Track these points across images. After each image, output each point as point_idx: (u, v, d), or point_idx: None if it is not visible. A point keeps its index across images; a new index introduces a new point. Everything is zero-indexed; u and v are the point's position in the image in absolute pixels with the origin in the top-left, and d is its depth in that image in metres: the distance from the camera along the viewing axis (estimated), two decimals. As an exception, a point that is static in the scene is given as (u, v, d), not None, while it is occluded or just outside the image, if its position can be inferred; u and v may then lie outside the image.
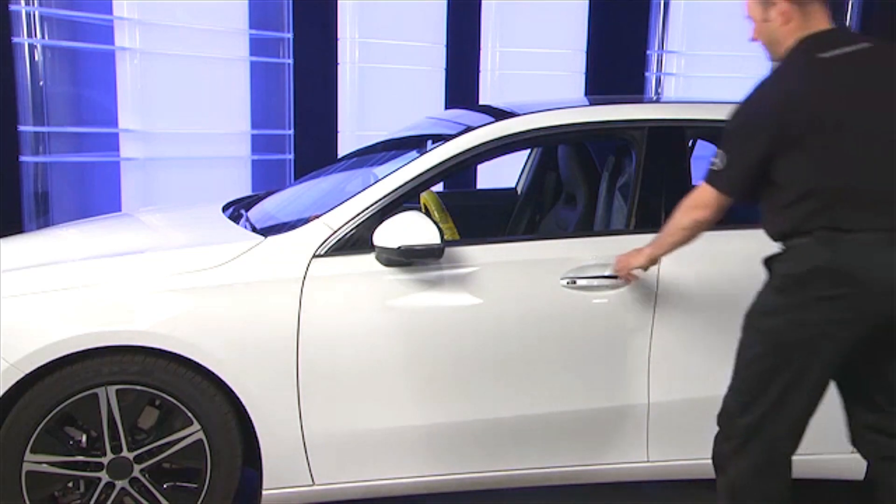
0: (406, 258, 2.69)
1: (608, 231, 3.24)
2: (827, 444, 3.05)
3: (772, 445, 2.46)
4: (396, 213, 2.73)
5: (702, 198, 2.48)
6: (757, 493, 2.49)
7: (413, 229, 2.67)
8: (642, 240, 2.77)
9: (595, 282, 2.86)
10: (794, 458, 3.04)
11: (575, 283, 2.86)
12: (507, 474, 2.94)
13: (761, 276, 2.52)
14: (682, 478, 3.11)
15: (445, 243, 2.72)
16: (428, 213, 3.33)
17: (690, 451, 3.01)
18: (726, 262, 2.96)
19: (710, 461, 3.05)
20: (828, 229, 2.30)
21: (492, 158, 3.04)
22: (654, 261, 2.75)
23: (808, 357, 2.37)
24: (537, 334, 2.87)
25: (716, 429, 3.03)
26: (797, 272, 2.35)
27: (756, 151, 2.35)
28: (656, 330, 2.92)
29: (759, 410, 2.43)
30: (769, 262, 2.49)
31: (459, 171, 2.98)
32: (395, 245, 2.67)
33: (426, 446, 2.85)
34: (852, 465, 3.07)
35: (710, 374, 2.86)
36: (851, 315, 2.32)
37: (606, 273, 2.87)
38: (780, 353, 2.39)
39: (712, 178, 2.45)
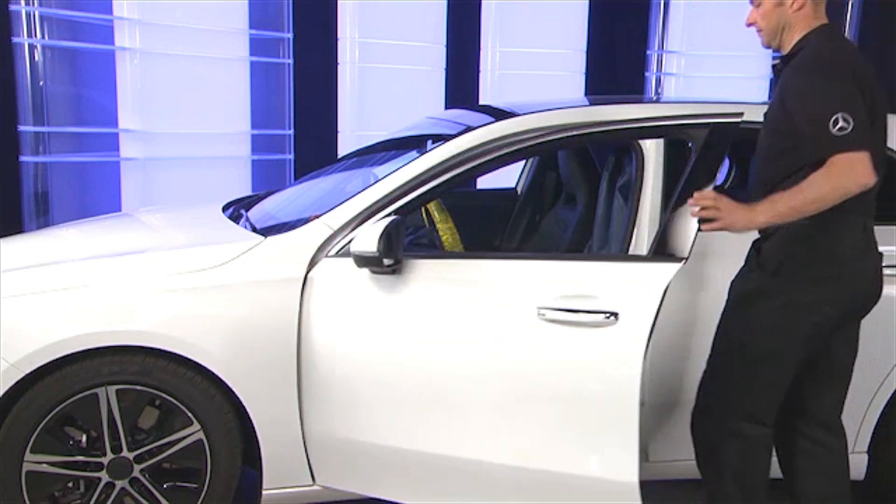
0: (357, 264, 2.63)
1: (603, 255, 2.90)
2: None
3: (761, 424, 2.55)
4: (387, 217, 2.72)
5: (860, 163, 2.25)
6: (753, 472, 2.58)
7: (366, 236, 2.60)
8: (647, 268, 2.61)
9: (574, 317, 2.53)
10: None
11: (548, 314, 2.55)
12: None
13: None
14: (681, 478, 3.11)
15: (383, 254, 2.57)
16: (428, 214, 3.33)
17: (689, 452, 3.01)
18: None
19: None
20: (831, 211, 2.34)
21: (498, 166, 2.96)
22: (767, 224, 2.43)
23: (799, 337, 2.46)
24: (506, 371, 2.61)
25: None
26: (797, 254, 2.42)
27: (864, 107, 2.32)
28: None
29: (752, 393, 2.52)
30: (759, 243, 2.54)
31: (463, 172, 2.85)
32: (350, 250, 2.64)
33: (409, 466, 2.74)
34: (852, 465, 3.07)
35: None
36: (838, 295, 2.43)
37: (590, 307, 2.54)
38: (773, 336, 2.47)
39: (852, 141, 2.25)
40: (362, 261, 2.62)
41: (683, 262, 2.58)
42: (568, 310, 2.54)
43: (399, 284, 2.68)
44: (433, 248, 3.22)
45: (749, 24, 2.69)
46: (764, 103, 2.86)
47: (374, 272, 2.67)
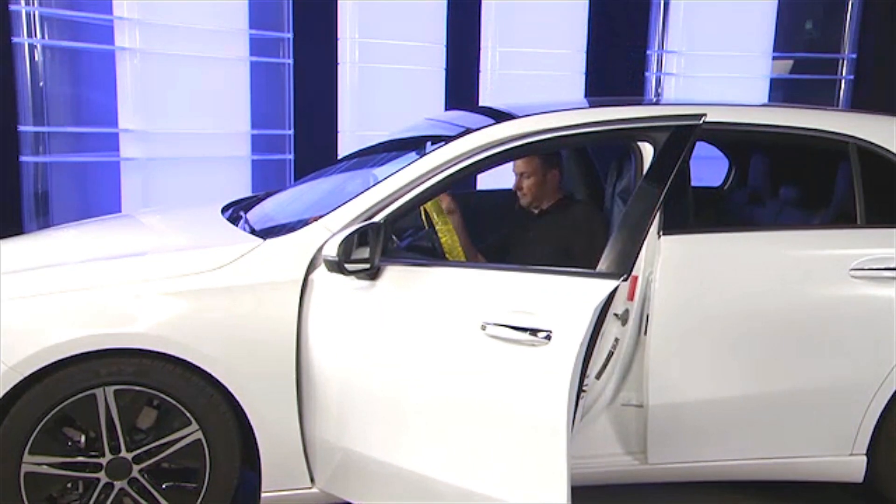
0: (327, 268, 2.63)
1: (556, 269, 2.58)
2: (824, 447, 3.06)
3: None
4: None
5: None
6: None
7: (333, 241, 2.59)
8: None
9: (510, 334, 2.42)
10: (793, 460, 3.08)
11: (486, 329, 2.45)
12: None
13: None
14: (680, 480, 3.11)
15: (343, 259, 2.55)
16: (427, 215, 3.32)
17: (689, 454, 3.02)
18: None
19: (710, 463, 3.07)
20: None
21: (498, 164, 2.95)
22: None
23: None
24: (450, 388, 2.53)
25: (715, 432, 3.04)
26: None
27: None
28: (666, 335, 2.83)
29: None
30: None
31: (467, 174, 2.84)
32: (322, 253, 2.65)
33: (395, 476, 2.69)
34: (850, 467, 3.07)
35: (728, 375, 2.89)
36: None
37: (525, 324, 2.41)
38: None
39: None
40: (329, 265, 2.60)
41: (622, 279, 2.41)
42: (509, 326, 2.42)
43: (374, 291, 2.65)
44: (431, 251, 3.22)
45: (518, 189, 3.51)
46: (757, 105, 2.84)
47: (350, 276, 2.62)
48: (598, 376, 3.04)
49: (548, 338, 2.36)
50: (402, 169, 2.84)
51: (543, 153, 3.40)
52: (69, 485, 2.68)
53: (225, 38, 5.79)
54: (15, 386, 2.52)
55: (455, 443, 2.53)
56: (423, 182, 2.80)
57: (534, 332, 2.38)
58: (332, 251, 2.56)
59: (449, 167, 2.80)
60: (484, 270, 2.65)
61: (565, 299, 2.39)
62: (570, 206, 3.53)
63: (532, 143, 2.80)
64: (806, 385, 2.98)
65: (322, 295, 2.69)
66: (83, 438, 2.68)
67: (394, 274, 2.65)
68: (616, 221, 3.26)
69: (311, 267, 2.71)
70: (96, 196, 5.70)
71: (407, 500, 2.64)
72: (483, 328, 2.45)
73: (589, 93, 6.88)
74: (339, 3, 6.20)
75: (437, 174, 2.80)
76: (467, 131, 2.93)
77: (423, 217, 3.36)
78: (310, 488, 2.80)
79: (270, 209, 3.40)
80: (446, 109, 5.71)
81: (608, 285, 2.36)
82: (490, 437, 2.47)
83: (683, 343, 2.92)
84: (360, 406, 2.67)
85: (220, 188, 5.39)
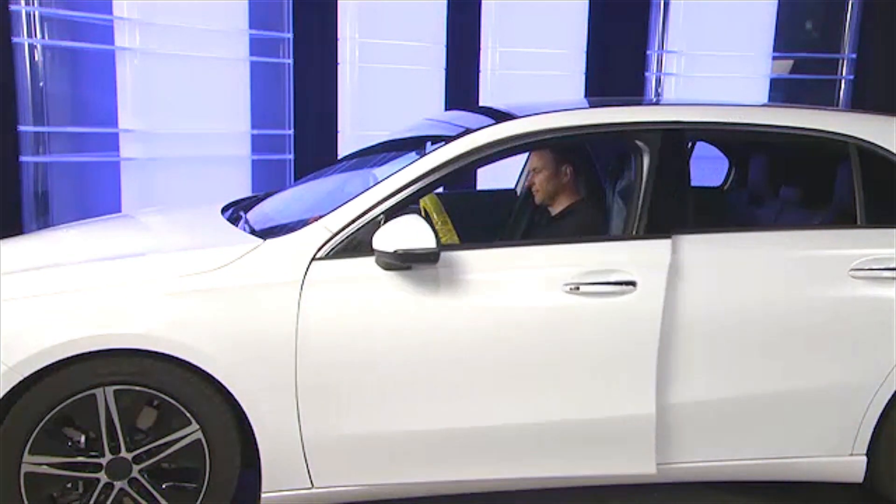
0: (402, 262, 2.68)
1: (614, 236, 3.13)
2: (824, 447, 3.06)
3: None
4: (397, 216, 2.73)
5: None
6: None
7: (410, 233, 2.65)
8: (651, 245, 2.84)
9: (600, 288, 2.82)
10: (793, 460, 3.08)
11: (578, 289, 2.82)
12: (505, 480, 2.93)
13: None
14: (681, 480, 3.11)
15: (442, 247, 2.70)
16: (427, 215, 3.33)
17: (689, 455, 3.02)
18: (747, 269, 2.97)
19: (710, 463, 3.06)
20: None
21: (496, 160, 3.00)
22: None
23: None
24: (538, 341, 2.82)
25: (715, 432, 3.04)
26: None
27: None
28: (667, 339, 2.87)
29: None
30: None
31: (463, 173, 2.93)
32: (391, 249, 2.66)
33: (426, 450, 2.84)
34: (850, 467, 3.07)
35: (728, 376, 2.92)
36: None
37: (613, 279, 2.83)
38: None
39: None
40: (411, 257, 2.66)
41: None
42: (593, 283, 2.82)
43: (417, 279, 2.74)
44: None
45: (531, 186, 3.60)
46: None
47: (395, 269, 2.72)
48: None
49: (633, 285, 2.82)
50: (402, 169, 2.85)
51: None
52: (69, 485, 2.68)
53: (225, 38, 5.80)
54: (15, 386, 2.52)
55: (543, 386, 2.85)
56: (423, 182, 2.81)
57: (618, 284, 2.82)
58: (428, 242, 2.65)
59: (449, 167, 2.81)
60: (545, 246, 2.98)
61: (639, 256, 2.87)
62: (583, 213, 3.48)
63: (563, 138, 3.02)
64: (806, 385, 2.98)
65: (323, 294, 2.70)
66: (83, 438, 2.68)
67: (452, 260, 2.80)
68: (615, 219, 3.27)
69: (311, 266, 2.71)
70: (96, 196, 5.70)
71: (452, 459, 2.86)
72: (567, 289, 2.81)
73: (589, 93, 6.88)
74: (339, 3, 6.21)
75: (437, 174, 2.81)
76: (467, 131, 2.94)
77: (423, 216, 3.37)
78: (310, 488, 2.80)
79: (270, 209, 3.40)
80: (446, 109, 5.71)
81: (666, 242, 2.87)
82: (585, 371, 2.85)
83: (683, 344, 2.92)
84: (391, 389, 2.77)
85: (220, 188, 5.40)
